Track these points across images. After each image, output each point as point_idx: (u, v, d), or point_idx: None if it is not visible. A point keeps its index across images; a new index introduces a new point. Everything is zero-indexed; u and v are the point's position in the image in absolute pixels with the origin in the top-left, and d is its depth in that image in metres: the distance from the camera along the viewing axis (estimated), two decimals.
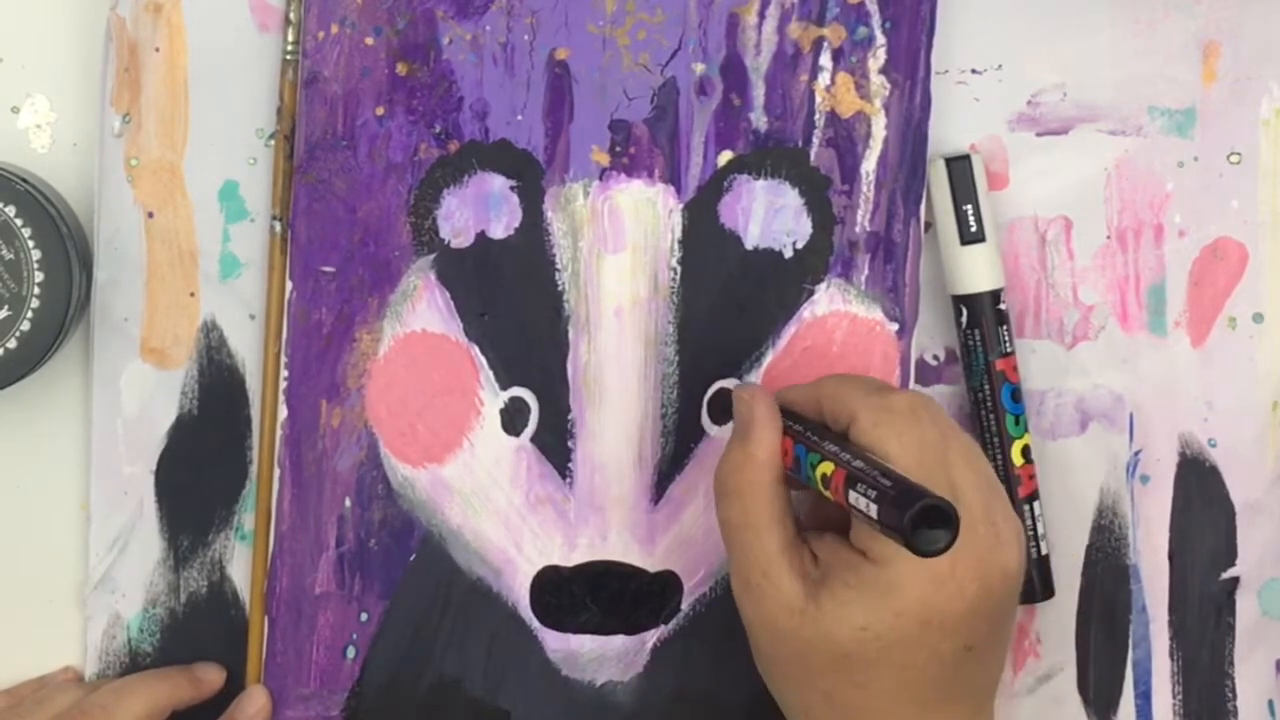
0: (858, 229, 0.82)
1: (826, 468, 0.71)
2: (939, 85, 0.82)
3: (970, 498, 0.72)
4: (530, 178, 0.81)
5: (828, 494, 0.71)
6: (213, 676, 0.81)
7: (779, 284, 0.82)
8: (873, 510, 0.67)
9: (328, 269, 0.80)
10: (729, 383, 0.82)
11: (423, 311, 0.81)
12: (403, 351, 0.81)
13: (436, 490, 0.81)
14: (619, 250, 0.81)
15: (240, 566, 0.82)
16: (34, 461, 0.82)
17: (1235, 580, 0.85)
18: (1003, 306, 0.82)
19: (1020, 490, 0.82)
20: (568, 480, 0.82)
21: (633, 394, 0.82)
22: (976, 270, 0.82)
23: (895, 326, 0.82)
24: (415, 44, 0.80)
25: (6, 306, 0.77)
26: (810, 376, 0.82)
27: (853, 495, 0.69)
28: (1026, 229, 0.84)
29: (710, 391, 0.82)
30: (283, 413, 0.81)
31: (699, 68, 0.81)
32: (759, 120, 0.81)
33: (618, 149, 0.81)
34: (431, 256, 0.81)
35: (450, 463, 0.81)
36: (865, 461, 0.70)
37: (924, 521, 0.66)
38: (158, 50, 0.80)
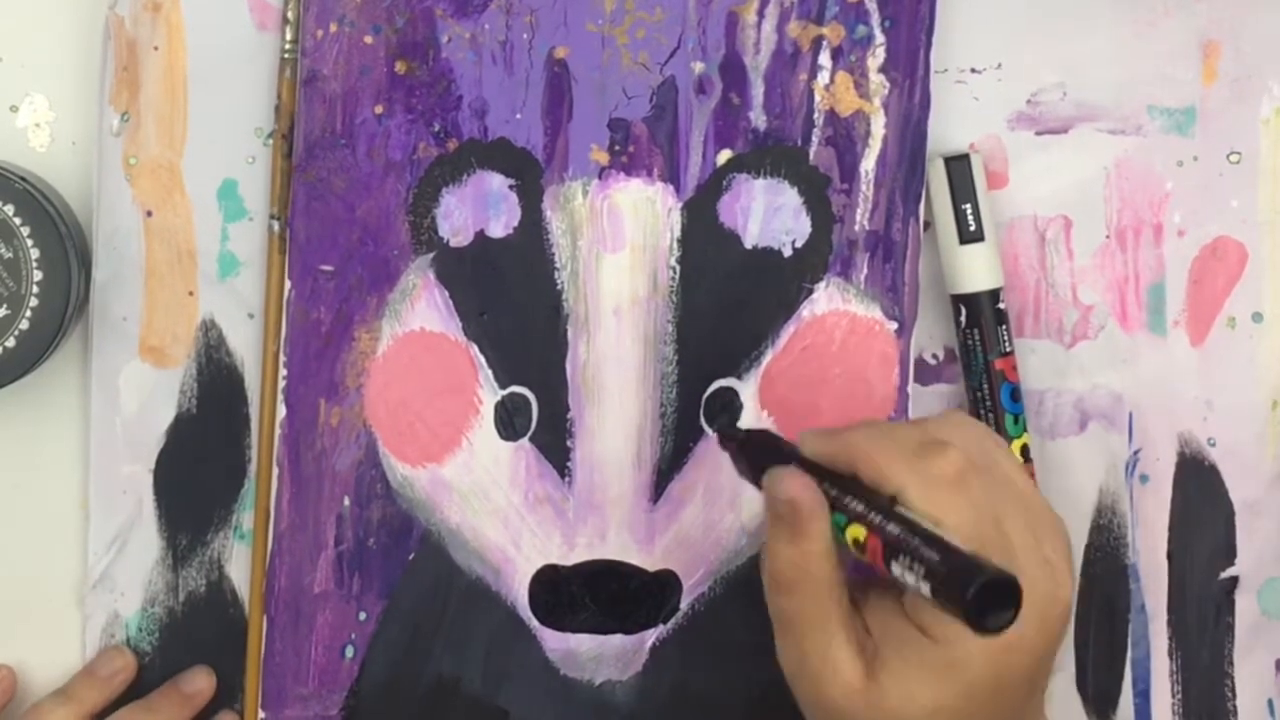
0: (857, 228, 0.82)
1: (858, 532, 0.66)
2: (938, 84, 0.82)
3: (1022, 541, 0.68)
4: (529, 176, 0.81)
5: (864, 559, 0.66)
6: (201, 685, 0.80)
7: (778, 283, 0.82)
8: (924, 588, 0.62)
9: (326, 268, 0.80)
10: (728, 382, 0.82)
11: (422, 310, 0.81)
12: (402, 350, 0.81)
13: (435, 489, 0.81)
14: (618, 249, 0.81)
15: (239, 566, 0.82)
16: (33, 461, 0.82)
17: (1234, 579, 0.85)
18: (1002, 306, 0.82)
19: None
20: (566, 479, 0.82)
21: (632, 393, 0.82)
22: (976, 269, 0.82)
23: (894, 325, 0.82)
24: (414, 42, 0.80)
25: (5, 305, 0.77)
26: (809, 376, 0.82)
27: (895, 567, 0.64)
28: (1026, 228, 0.84)
29: (709, 390, 0.82)
30: (281, 412, 0.81)
31: (698, 66, 0.81)
32: (758, 119, 0.81)
33: (617, 148, 0.81)
34: (430, 255, 0.81)
35: (449, 462, 0.81)
36: (900, 523, 0.65)
37: (984, 597, 0.61)
38: (156, 49, 0.80)
